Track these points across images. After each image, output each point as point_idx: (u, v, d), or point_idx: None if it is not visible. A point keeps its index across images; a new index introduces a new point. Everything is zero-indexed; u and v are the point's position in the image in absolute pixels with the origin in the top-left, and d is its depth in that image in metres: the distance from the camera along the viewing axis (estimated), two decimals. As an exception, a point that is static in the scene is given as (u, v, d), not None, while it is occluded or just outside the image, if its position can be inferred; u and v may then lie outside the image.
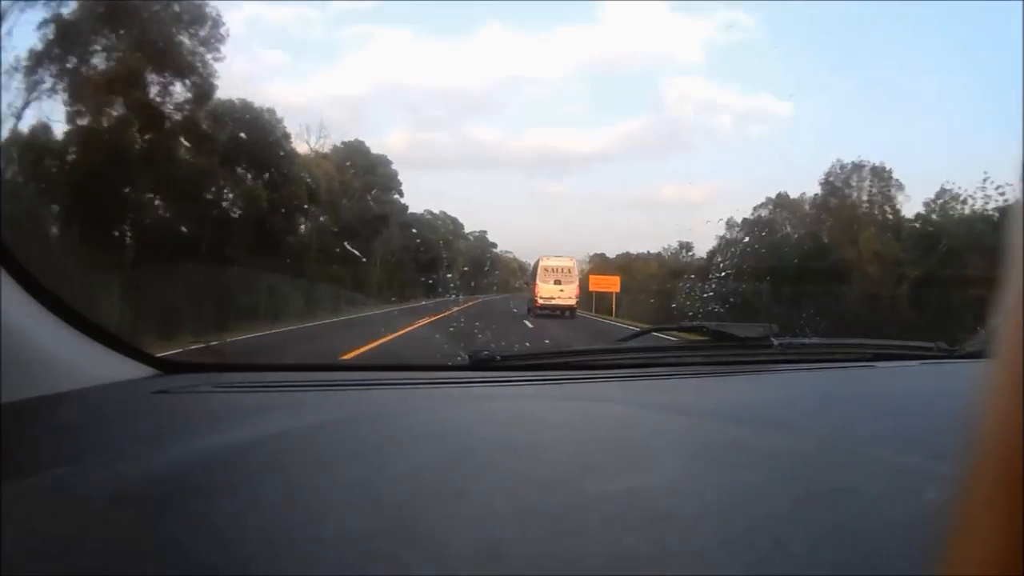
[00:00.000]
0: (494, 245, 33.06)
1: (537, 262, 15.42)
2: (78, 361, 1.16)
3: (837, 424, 1.06)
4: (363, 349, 7.38)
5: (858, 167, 19.53)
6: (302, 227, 18.45)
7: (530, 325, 12.43)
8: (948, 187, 18.02)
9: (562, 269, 14.79)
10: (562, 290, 14.46)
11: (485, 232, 32.41)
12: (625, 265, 25.05)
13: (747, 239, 19.64)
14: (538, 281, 14.65)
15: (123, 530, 0.54)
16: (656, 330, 2.24)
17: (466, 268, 27.98)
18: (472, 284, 28.32)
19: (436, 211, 28.64)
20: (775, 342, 1.64)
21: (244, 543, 0.51)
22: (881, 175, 19.46)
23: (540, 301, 14.20)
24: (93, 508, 0.59)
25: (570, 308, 14.22)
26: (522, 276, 30.88)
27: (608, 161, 32.52)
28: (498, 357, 1.53)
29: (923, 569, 0.49)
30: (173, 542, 0.51)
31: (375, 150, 22.38)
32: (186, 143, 14.58)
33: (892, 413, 1.17)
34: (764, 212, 21.56)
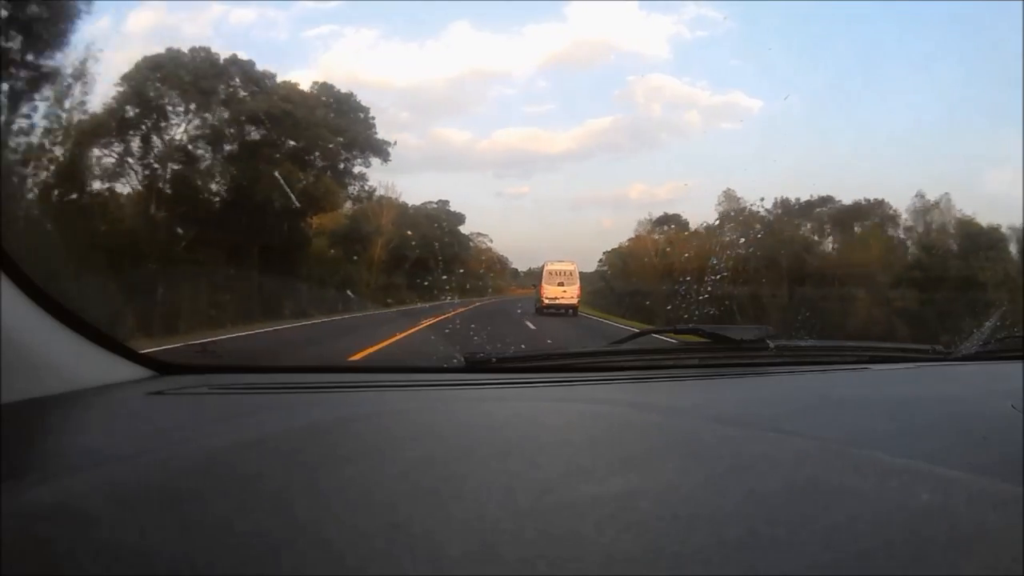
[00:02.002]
0: (459, 218, 25.99)
1: (543, 267, 17.50)
2: (75, 363, 1.16)
3: (833, 426, 1.07)
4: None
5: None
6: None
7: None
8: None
9: (565, 272, 16.85)
10: (565, 291, 16.44)
11: (446, 203, 25.86)
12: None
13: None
14: (544, 283, 16.68)
15: (120, 531, 0.54)
16: (653, 332, 2.24)
17: (447, 264, 21.70)
18: (449, 283, 21.12)
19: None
20: (771, 344, 1.65)
21: (240, 544, 0.51)
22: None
23: (546, 301, 16.12)
24: (90, 509, 0.59)
25: (572, 307, 16.21)
26: (503, 270, 28.69)
27: (576, 160, 32.25)
28: (494, 359, 1.53)
29: (918, 570, 0.49)
30: (169, 543, 0.51)
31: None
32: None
33: (888, 415, 1.17)
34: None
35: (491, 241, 30.10)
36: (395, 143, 19.85)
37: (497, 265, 30.89)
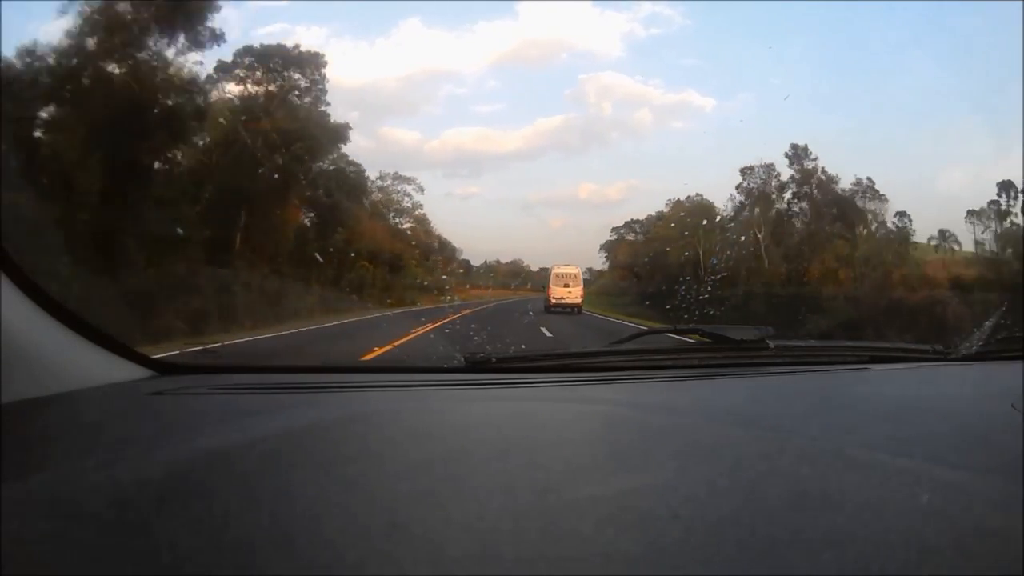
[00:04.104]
0: (319, 122, 14.26)
1: (551, 270, 19.57)
2: (76, 363, 1.16)
3: (832, 427, 1.07)
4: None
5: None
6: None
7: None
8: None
9: (570, 275, 18.93)
10: (570, 291, 18.42)
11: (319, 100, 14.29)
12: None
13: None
14: (551, 285, 18.72)
15: (120, 530, 0.54)
16: (653, 332, 2.24)
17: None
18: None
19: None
20: (771, 344, 1.65)
21: (240, 543, 0.51)
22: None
23: (554, 300, 18.04)
24: (90, 508, 0.59)
25: (577, 306, 18.17)
26: (449, 260, 21.15)
27: (526, 160, 31.63)
28: (494, 359, 1.53)
29: (918, 571, 0.49)
30: (169, 542, 0.51)
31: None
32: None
33: (887, 416, 1.17)
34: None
35: (422, 192, 18.15)
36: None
37: (435, 245, 19.14)
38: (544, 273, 22.69)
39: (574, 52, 32.15)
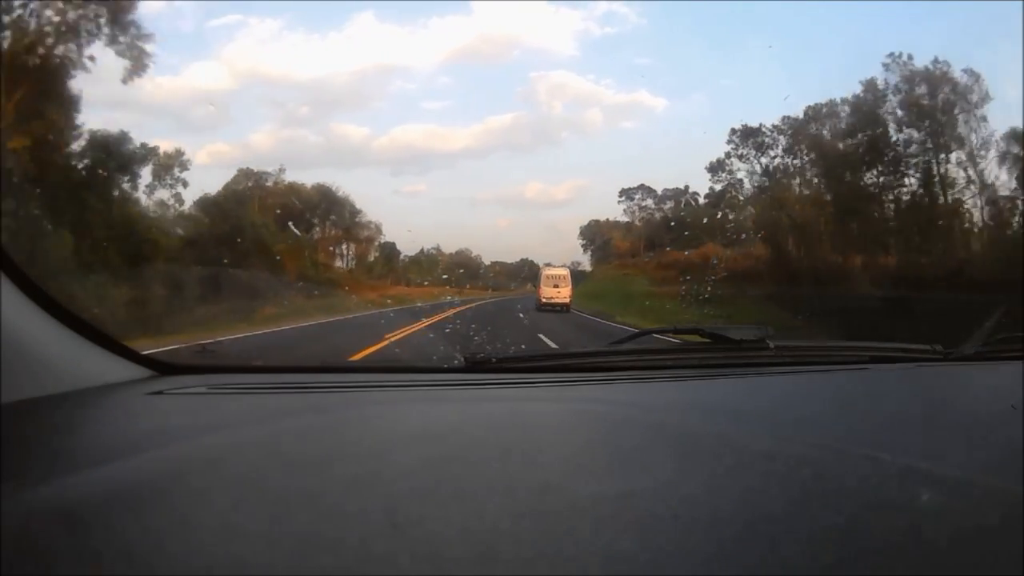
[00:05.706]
0: None
1: (540, 272, 20.50)
2: (74, 362, 1.16)
3: (833, 426, 1.07)
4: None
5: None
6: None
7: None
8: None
9: (559, 276, 20.16)
10: (559, 291, 19.68)
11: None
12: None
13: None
14: (542, 286, 19.98)
15: (120, 531, 0.54)
16: (653, 332, 2.24)
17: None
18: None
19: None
20: (771, 344, 1.65)
21: (240, 544, 0.51)
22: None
23: (544, 300, 19.29)
24: (90, 509, 0.59)
25: (565, 305, 19.44)
26: (364, 238, 18.79)
27: (474, 158, 31.19)
28: (494, 359, 1.53)
29: (918, 570, 0.49)
30: (169, 543, 0.51)
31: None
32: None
33: (887, 415, 1.17)
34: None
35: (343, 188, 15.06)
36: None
37: (321, 200, 13.03)
38: (498, 267, 23.43)
39: (527, 50, 32.16)
